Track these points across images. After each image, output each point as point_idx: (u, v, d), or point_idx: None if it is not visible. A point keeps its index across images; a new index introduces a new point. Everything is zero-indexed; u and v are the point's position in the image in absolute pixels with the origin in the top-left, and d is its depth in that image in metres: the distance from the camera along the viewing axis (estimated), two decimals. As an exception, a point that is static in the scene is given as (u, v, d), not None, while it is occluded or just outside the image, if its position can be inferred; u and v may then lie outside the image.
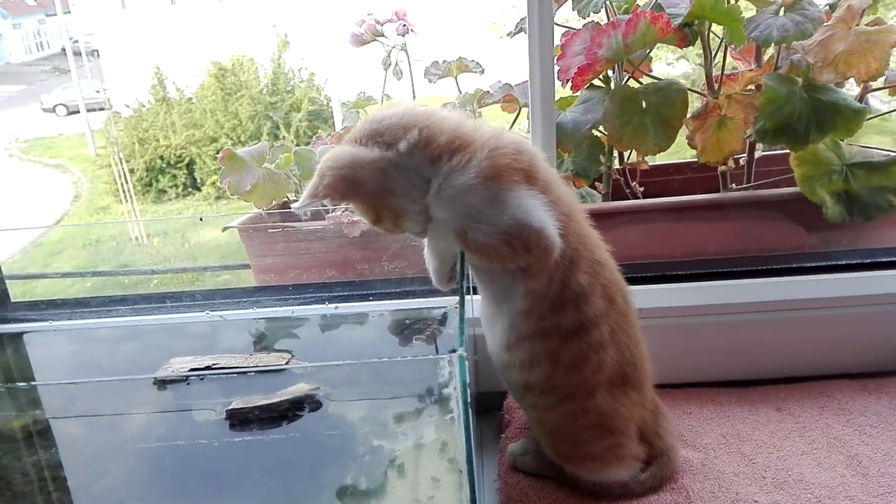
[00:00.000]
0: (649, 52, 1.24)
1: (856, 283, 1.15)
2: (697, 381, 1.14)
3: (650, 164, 1.36)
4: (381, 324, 1.12)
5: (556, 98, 1.30)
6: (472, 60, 1.33)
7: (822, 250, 1.22)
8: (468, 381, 0.58)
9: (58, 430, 0.91)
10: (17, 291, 1.29)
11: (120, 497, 0.80)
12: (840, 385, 1.10)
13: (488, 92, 1.34)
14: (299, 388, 0.86)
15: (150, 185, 6.76)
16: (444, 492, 0.82)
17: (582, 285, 0.82)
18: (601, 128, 1.27)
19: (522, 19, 1.20)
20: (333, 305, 1.11)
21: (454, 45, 1.50)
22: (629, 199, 1.35)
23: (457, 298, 0.90)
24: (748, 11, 1.18)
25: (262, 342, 1.11)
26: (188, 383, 0.92)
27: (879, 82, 1.20)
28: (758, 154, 1.32)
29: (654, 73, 1.30)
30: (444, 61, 1.34)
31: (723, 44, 1.23)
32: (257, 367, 0.93)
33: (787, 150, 1.25)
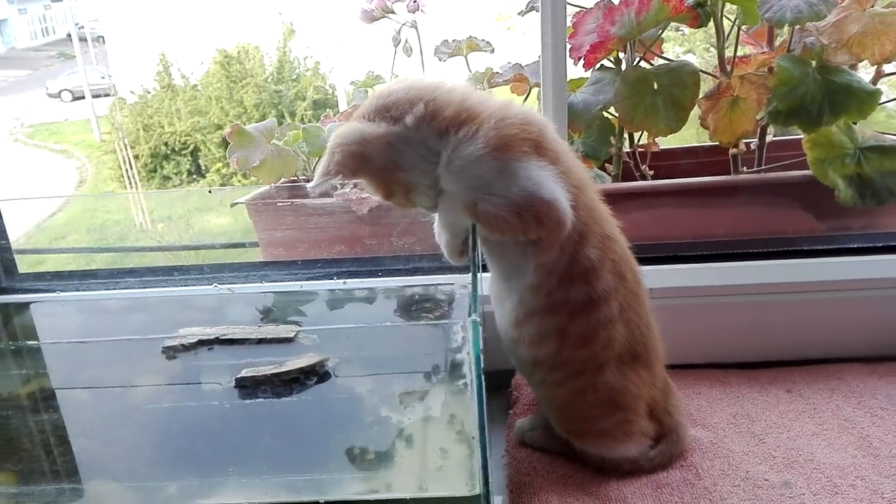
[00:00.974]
0: (661, 32, 1.23)
1: (867, 266, 1.14)
2: (706, 363, 1.13)
3: (660, 147, 1.36)
4: (390, 302, 1.11)
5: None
6: (483, 40, 1.32)
7: (833, 233, 1.21)
8: (481, 346, 0.58)
9: (64, 397, 0.91)
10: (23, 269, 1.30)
11: (128, 463, 0.80)
12: (850, 368, 1.10)
13: (498, 72, 1.33)
14: (311, 359, 0.86)
15: (155, 171, 6.76)
16: (452, 461, 0.81)
17: (591, 259, 0.82)
18: (612, 109, 1.27)
19: (535, -4, 1.19)
20: (342, 281, 1.10)
21: (463, 30, 1.49)
22: (638, 181, 1.35)
23: (466, 276, 0.90)
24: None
25: (268, 316, 1.11)
26: (196, 353, 0.92)
27: (894, 66, 1.19)
28: (769, 138, 1.32)
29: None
30: (454, 40, 1.33)
31: (736, 24, 1.22)
32: (267, 337, 0.93)
33: (799, 135, 1.25)
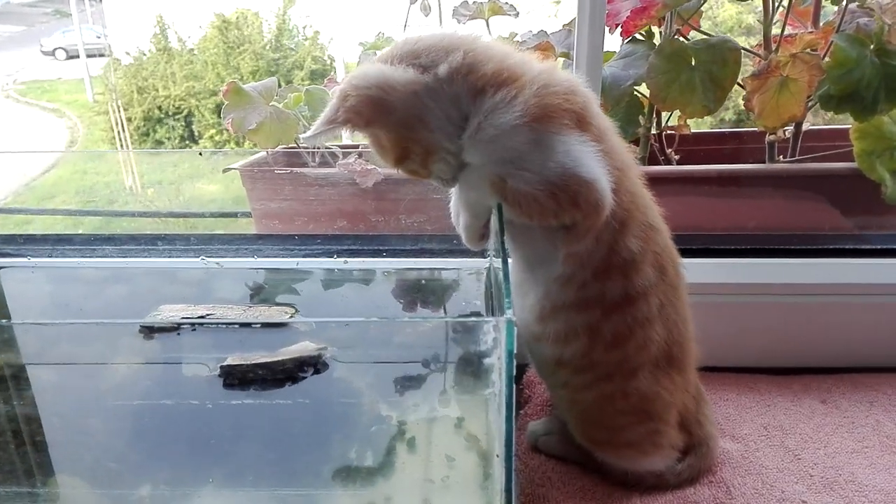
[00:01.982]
0: (704, 1, 1.12)
1: (913, 270, 1.06)
2: (734, 366, 1.04)
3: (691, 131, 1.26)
4: (391, 282, 1.02)
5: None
6: (506, 2, 1.21)
7: (874, 233, 1.12)
8: (514, 350, 0.49)
9: (32, 376, 0.81)
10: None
11: (96, 455, 0.70)
12: (889, 380, 1.01)
13: (520, 40, 1.23)
14: (304, 347, 0.76)
15: (147, 134, 6.61)
16: (459, 473, 0.72)
17: (632, 251, 0.72)
18: (642, 87, 1.17)
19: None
20: (342, 259, 1.00)
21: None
22: (663, 165, 1.25)
23: (475, 261, 0.81)
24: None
25: (259, 295, 1.01)
26: (178, 333, 0.82)
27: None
28: (805, 127, 1.22)
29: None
30: (475, 1, 1.22)
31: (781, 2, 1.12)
32: (258, 320, 0.83)
33: (834, 125, 1.16)
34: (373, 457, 0.72)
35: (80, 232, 1.11)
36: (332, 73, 1.42)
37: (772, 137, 1.18)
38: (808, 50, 1.15)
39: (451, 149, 0.70)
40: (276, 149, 1.18)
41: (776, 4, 1.12)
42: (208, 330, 0.83)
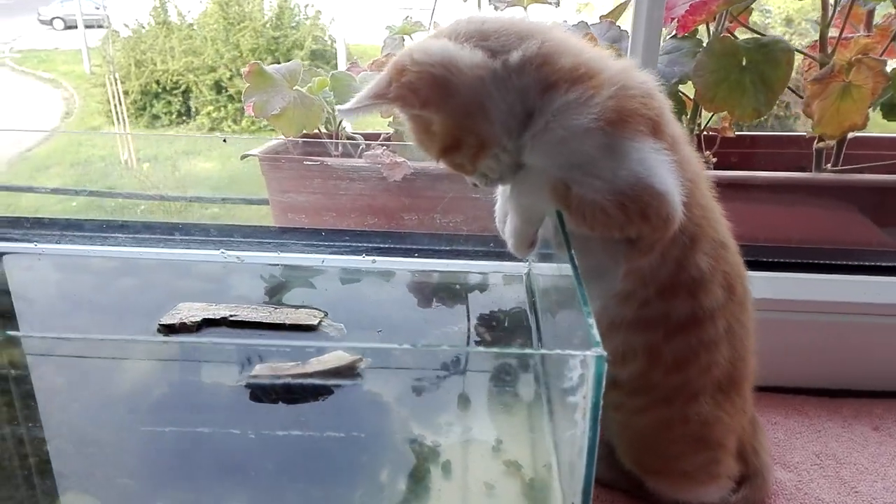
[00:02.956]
0: (755, -2, 1.06)
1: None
2: (779, 386, 0.99)
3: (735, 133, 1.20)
4: (431, 289, 0.95)
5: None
6: (547, -9, 1.15)
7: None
8: (603, 388, 0.43)
9: (36, 379, 0.74)
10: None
11: (107, 472, 0.64)
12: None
13: (561, 30, 1.16)
14: (338, 358, 0.70)
15: (144, 109, 6.49)
16: (500, 501, 0.67)
17: (702, 269, 0.67)
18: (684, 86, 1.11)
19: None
20: (371, 258, 0.94)
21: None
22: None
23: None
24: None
25: (281, 294, 0.94)
26: (199, 335, 0.76)
27: None
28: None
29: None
30: (514, -12, 1.15)
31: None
32: (286, 322, 0.77)
33: (878, 134, 1.11)
34: (405, 481, 0.66)
35: (91, 217, 1.04)
36: (356, 59, 1.35)
37: (821, 145, 1.12)
38: (861, 54, 1.09)
39: (508, 146, 0.64)
40: (299, 135, 1.12)
41: (835, 4, 1.06)
42: (231, 332, 0.77)
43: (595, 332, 0.46)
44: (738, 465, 0.75)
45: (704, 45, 1.09)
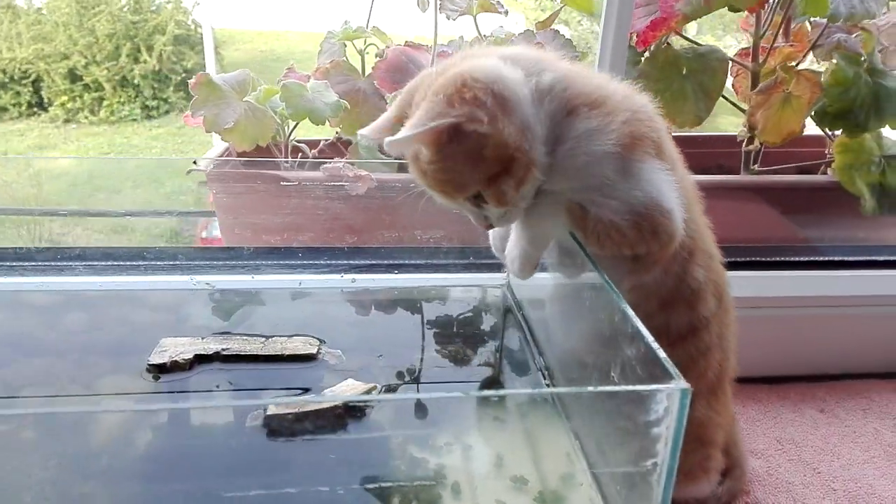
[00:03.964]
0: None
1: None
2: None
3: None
4: (424, 307, 0.93)
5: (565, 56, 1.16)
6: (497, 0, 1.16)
7: (854, 244, 1.17)
8: (685, 421, 0.45)
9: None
10: None
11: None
12: (875, 385, 1.06)
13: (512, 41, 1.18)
14: (352, 387, 0.68)
15: (-11, 100, 5.98)
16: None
17: (698, 281, 0.70)
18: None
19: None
20: (350, 277, 0.92)
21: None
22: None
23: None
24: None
25: (245, 320, 0.90)
26: (194, 373, 0.72)
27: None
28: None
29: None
30: (465, -4, 1.15)
31: (773, 14, 1.13)
32: (284, 353, 0.74)
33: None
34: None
35: (19, 245, 0.95)
36: (293, 64, 1.31)
37: (749, 147, 1.21)
38: (785, 62, 1.18)
39: (542, 168, 0.63)
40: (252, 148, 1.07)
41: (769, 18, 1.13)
42: (224, 369, 0.73)
43: (672, 366, 0.48)
44: (724, 459, 0.80)
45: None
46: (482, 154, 0.59)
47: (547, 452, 0.75)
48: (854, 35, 1.12)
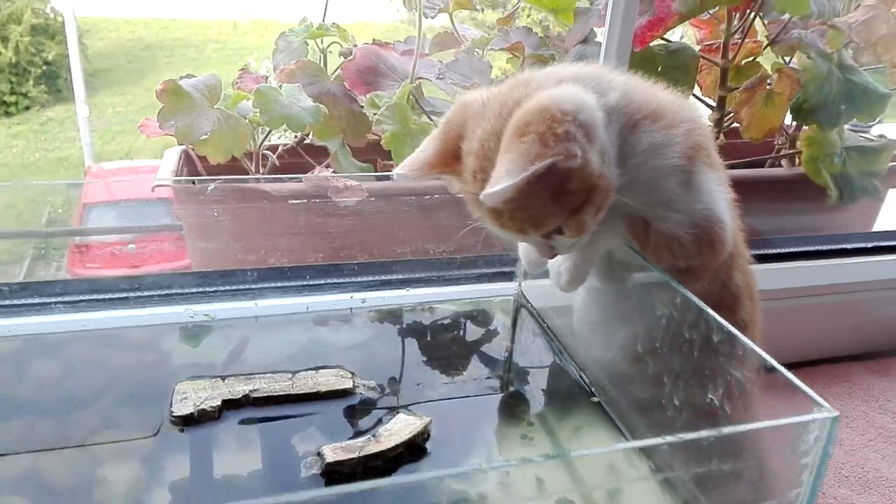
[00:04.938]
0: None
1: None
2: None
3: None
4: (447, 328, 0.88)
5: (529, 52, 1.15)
6: (474, -3, 1.12)
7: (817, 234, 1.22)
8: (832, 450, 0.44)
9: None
10: None
11: None
12: (852, 367, 1.12)
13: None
14: (410, 425, 0.63)
15: None
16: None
17: (739, 286, 0.70)
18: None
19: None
20: (361, 297, 0.86)
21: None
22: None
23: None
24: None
25: (243, 352, 0.82)
26: (223, 421, 0.64)
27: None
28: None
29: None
30: (442, -7, 1.11)
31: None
32: (319, 390, 0.67)
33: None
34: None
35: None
36: (248, 63, 1.22)
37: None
38: (748, 58, 1.22)
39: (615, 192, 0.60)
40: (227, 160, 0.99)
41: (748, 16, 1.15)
42: (259, 415, 0.66)
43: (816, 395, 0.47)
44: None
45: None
46: (567, 188, 0.55)
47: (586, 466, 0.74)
48: (811, 30, 1.16)
